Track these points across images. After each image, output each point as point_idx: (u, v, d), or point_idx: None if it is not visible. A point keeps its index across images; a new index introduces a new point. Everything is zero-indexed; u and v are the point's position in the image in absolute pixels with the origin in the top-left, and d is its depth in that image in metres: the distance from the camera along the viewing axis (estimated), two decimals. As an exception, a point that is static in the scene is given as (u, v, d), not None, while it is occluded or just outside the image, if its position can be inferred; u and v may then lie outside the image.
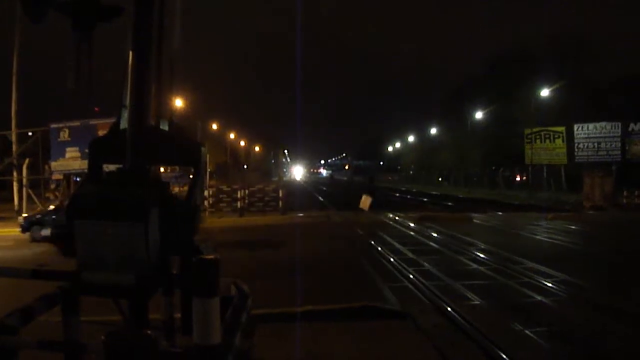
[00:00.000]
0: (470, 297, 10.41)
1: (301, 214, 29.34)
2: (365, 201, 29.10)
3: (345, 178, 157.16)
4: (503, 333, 8.06)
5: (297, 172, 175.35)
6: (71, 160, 29.70)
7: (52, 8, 5.00)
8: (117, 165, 4.89)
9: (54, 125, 30.72)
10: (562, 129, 44.75)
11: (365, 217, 29.13)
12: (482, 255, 15.21)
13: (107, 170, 5.20)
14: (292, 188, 60.91)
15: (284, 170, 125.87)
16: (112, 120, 5.35)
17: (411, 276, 12.55)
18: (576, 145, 42.46)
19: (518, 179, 63.88)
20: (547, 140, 45.44)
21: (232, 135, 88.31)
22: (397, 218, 27.93)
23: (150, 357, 3.78)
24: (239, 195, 30.68)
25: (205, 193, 29.28)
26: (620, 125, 40.40)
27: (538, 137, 45.94)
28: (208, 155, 29.64)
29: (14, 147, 30.99)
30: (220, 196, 31.06)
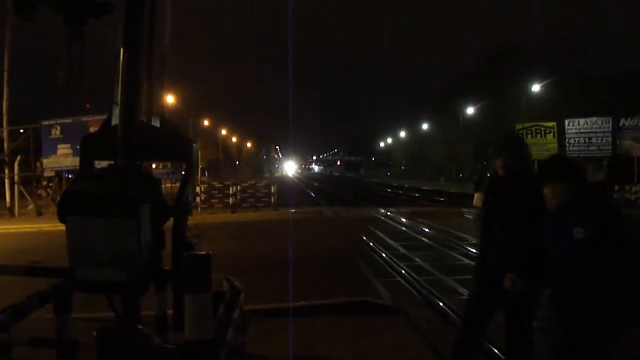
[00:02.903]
0: (462, 291, 10.44)
1: (293, 210, 29.33)
2: (479, 199, 29.36)
3: (337, 174, 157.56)
4: (495, 327, 8.09)
5: (289, 168, 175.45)
6: (63, 157, 29.57)
7: (43, 5, 5.00)
8: (109, 162, 4.90)
9: (45, 122, 30.58)
10: (553, 124, 44.84)
11: (357, 212, 29.16)
12: (473, 250, 15.26)
13: (98, 166, 5.21)
14: (284, 184, 60.91)
15: (276, 166, 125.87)
16: (104, 117, 5.35)
17: (403, 271, 12.59)
18: (567, 140, 42.55)
19: None
20: (539, 136, 45.52)
21: (223, 132, 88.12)
22: (388, 213, 27.97)
23: (143, 353, 3.79)
24: (230, 192, 30.67)
25: (197, 189, 29.25)
26: (610, 121, 40.50)
27: (529, 132, 46.01)
28: (200, 152, 29.61)
29: (6, 144, 30.87)
30: (212, 192, 31.04)
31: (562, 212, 4.23)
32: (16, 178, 29.69)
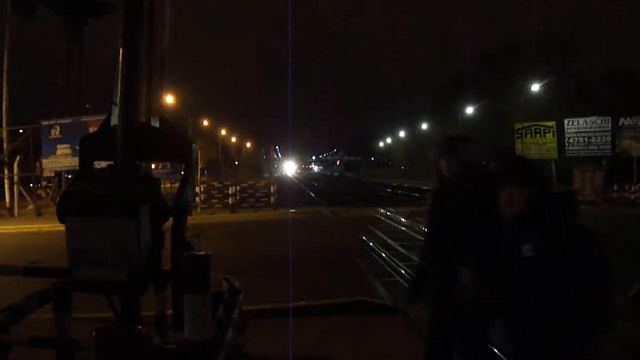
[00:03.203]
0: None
1: (293, 210, 29.30)
2: None
3: (337, 174, 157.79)
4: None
5: (289, 168, 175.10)
6: (62, 158, 29.56)
7: (42, 4, 5.00)
8: (108, 162, 4.90)
9: (44, 123, 30.60)
10: (552, 123, 44.80)
11: (357, 212, 29.15)
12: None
13: (98, 167, 5.21)
14: (283, 184, 60.87)
15: (276, 166, 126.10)
16: (103, 117, 5.35)
17: (402, 271, 12.59)
18: (567, 139, 42.51)
19: None
20: (538, 135, 45.49)
21: (223, 132, 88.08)
22: (388, 213, 27.95)
23: (142, 353, 3.79)
24: (230, 192, 30.64)
25: (197, 190, 29.25)
26: (610, 120, 40.44)
27: (529, 132, 45.99)
28: (199, 152, 29.59)
29: (5, 145, 30.89)
30: (212, 192, 31.03)
31: (516, 223, 3.61)
32: (16, 178, 29.69)
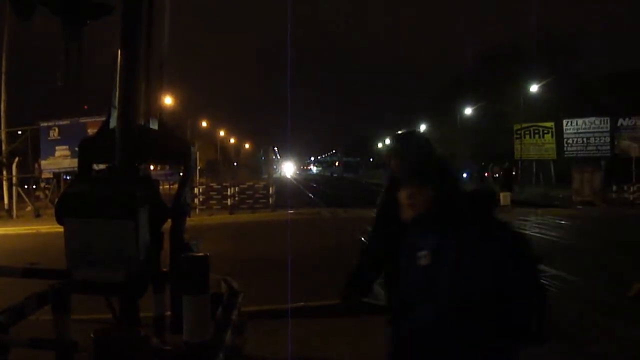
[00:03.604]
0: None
1: (291, 211, 29.23)
2: (505, 198, 31.14)
3: (336, 175, 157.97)
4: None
5: (288, 169, 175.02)
6: (61, 159, 29.58)
7: (41, 5, 4.99)
8: (108, 165, 4.90)
9: (43, 124, 30.61)
10: (551, 124, 44.78)
11: (356, 213, 29.14)
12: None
13: (97, 168, 5.21)
14: (282, 185, 60.83)
15: (274, 167, 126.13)
16: (102, 118, 5.35)
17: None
18: (565, 140, 42.47)
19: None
20: (537, 136, 45.47)
21: (222, 133, 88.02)
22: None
23: (141, 354, 3.79)
24: (229, 193, 30.58)
25: (195, 191, 29.20)
26: (609, 121, 40.40)
27: (527, 132, 45.96)
28: (198, 153, 29.56)
29: (4, 146, 30.90)
30: (210, 193, 30.96)
31: (416, 226, 2.98)
32: (14, 180, 29.66)
